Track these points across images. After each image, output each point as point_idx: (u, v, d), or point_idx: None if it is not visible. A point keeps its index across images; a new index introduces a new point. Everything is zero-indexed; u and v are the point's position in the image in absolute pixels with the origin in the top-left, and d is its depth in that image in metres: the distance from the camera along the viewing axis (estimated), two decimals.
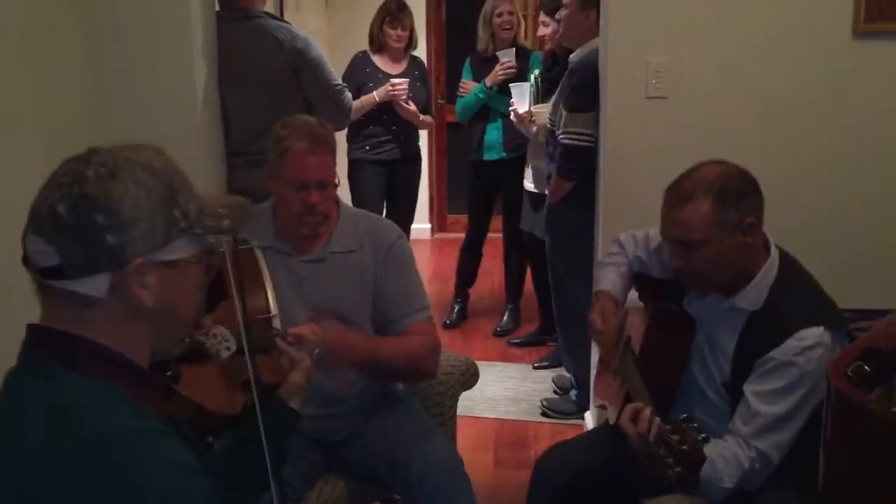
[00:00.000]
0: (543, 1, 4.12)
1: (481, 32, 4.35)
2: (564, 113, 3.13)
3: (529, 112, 3.82)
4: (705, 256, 1.83)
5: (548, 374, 4.00)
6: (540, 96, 3.85)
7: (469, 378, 2.45)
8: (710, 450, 1.76)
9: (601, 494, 2.09)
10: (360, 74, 4.22)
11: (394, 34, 4.21)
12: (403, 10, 4.24)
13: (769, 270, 1.88)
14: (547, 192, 3.43)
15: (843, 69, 2.69)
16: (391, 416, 2.19)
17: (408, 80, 4.14)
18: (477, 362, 2.53)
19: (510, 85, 3.97)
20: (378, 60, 4.26)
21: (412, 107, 4.15)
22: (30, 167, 2.15)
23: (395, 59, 4.29)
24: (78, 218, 1.06)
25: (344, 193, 2.27)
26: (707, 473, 1.74)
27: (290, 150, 2.06)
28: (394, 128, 4.22)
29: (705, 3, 2.69)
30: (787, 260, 1.93)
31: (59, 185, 1.08)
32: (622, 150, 2.82)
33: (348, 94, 3.25)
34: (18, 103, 2.18)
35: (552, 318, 3.87)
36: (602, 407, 2.29)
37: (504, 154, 4.30)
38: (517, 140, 4.13)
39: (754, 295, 1.87)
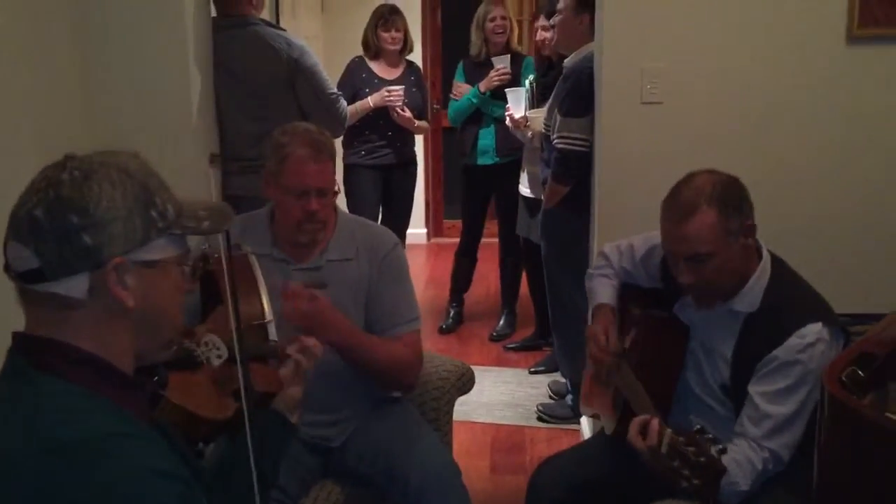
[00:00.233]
0: (541, 6, 4.14)
1: (474, 37, 4.36)
2: (559, 118, 3.14)
3: (525, 117, 3.83)
4: (715, 266, 1.83)
5: (544, 379, 4.00)
6: (535, 101, 3.86)
7: (465, 383, 2.45)
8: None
9: None
10: (357, 80, 4.22)
11: (388, 37, 4.21)
12: (396, 12, 4.25)
13: (763, 273, 1.90)
14: (542, 196, 3.43)
15: (837, 74, 2.70)
16: (388, 422, 2.18)
17: (403, 86, 4.15)
18: (473, 367, 2.53)
19: (506, 90, 3.98)
20: (374, 66, 4.27)
21: (407, 113, 4.16)
22: (24, 173, 2.15)
23: (392, 64, 4.29)
24: (54, 220, 1.08)
25: (340, 199, 2.27)
26: (723, 479, 1.73)
27: (290, 157, 2.06)
28: (389, 133, 4.22)
29: (700, 9, 2.70)
30: (777, 262, 1.94)
31: (35, 190, 1.10)
32: (617, 155, 2.82)
33: (343, 103, 3.25)
34: (12, 109, 2.18)
35: (548, 323, 3.87)
36: (595, 416, 2.29)
37: (497, 158, 4.30)
38: (510, 144, 4.13)
39: (750, 297, 1.88)
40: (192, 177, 2.56)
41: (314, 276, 2.11)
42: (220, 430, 1.56)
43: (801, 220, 2.70)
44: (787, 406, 1.79)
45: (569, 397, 3.63)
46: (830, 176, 2.75)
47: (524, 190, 4.02)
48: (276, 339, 1.78)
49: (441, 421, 2.36)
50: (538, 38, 3.91)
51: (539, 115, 3.58)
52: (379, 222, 4.15)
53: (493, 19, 4.28)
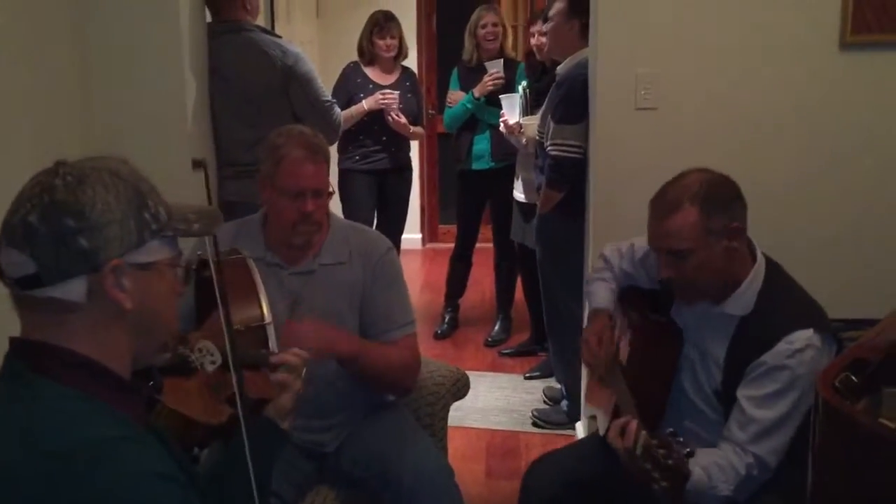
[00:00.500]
0: (536, 13, 4.15)
1: (467, 43, 4.38)
2: (552, 125, 3.14)
3: (519, 123, 3.84)
4: (695, 264, 1.84)
5: (539, 385, 4.00)
6: (528, 107, 3.87)
7: (460, 388, 2.45)
8: (703, 458, 1.77)
9: None
10: (352, 85, 4.23)
11: (383, 44, 4.22)
12: (391, 19, 4.26)
13: (756, 276, 1.90)
14: (537, 202, 3.44)
15: (830, 80, 2.71)
16: (382, 427, 2.19)
17: (398, 92, 4.15)
18: (468, 372, 2.53)
19: (501, 96, 3.99)
20: (369, 71, 4.27)
21: (402, 119, 4.16)
22: (21, 177, 2.15)
23: (387, 70, 4.30)
24: (49, 224, 1.08)
25: (334, 204, 2.27)
26: (701, 483, 1.74)
27: (286, 158, 2.07)
28: (384, 138, 4.22)
29: (694, 15, 2.71)
30: (772, 265, 1.95)
31: (28, 197, 1.10)
32: (612, 160, 2.83)
33: (337, 110, 3.26)
34: (10, 113, 2.18)
35: (543, 329, 3.87)
36: (593, 418, 2.29)
37: (492, 163, 4.32)
38: (505, 150, 4.14)
39: (743, 300, 1.89)
40: (186, 182, 2.55)
41: (303, 284, 2.11)
42: (214, 436, 1.56)
43: (794, 225, 2.71)
44: (773, 411, 1.80)
45: (564, 403, 3.63)
46: (824, 181, 2.76)
47: (518, 195, 4.02)
48: (276, 341, 1.78)
49: (436, 426, 2.37)
50: (535, 43, 3.92)
51: (533, 122, 3.59)
52: (374, 227, 4.15)
53: (484, 26, 4.30)
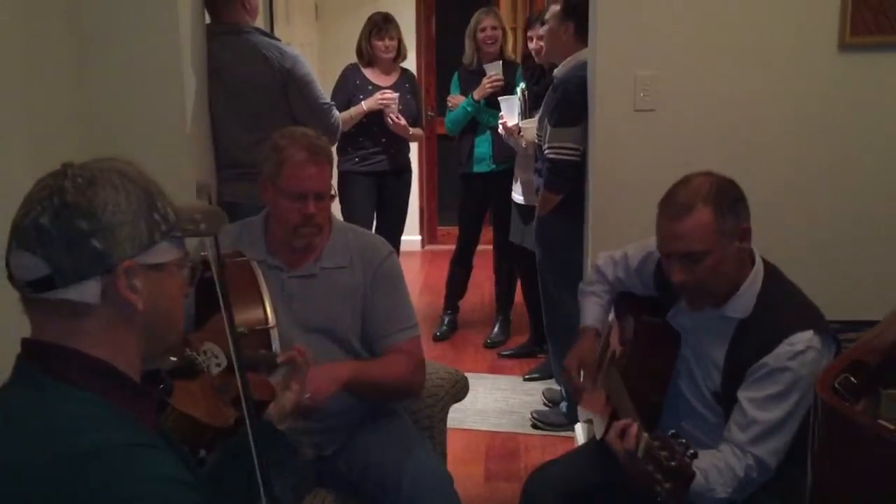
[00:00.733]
0: (534, 15, 4.15)
1: (467, 46, 4.40)
2: (549, 128, 3.14)
3: (518, 125, 3.84)
4: (709, 266, 1.83)
5: (538, 386, 3.99)
6: (527, 110, 3.87)
7: (459, 391, 2.45)
8: (702, 460, 1.77)
9: None
10: (351, 87, 4.23)
11: (381, 45, 4.22)
12: (389, 21, 4.26)
13: (755, 278, 1.90)
14: (536, 204, 3.44)
15: (829, 82, 2.71)
16: (380, 430, 2.18)
17: (398, 94, 4.16)
18: (467, 374, 2.53)
19: (499, 99, 4.00)
20: (368, 73, 4.28)
21: (402, 120, 4.16)
22: (17, 180, 2.15)
23: (386, 72, 4.30)
24: (62, 227, 1.08)
25: (334, 205, 2.27)
26: (699, 485, 1.74)
27: (288, 161, 2.07)
28: (384, 140, 4.22)
29: (692, 17, 2.71)
30: (770, 268, 1.95)
31: (38, 199, 1.10)
32: (611, 162, 2.83)
33: (336, 113, 3.26)
34: (6, 117, 2.18)
35: (542, 330, 3.87)
36: (590, 422, 2.29)
37: (493, 166, 4.32)
38: (506, 152, 4.14)
39: (743, 303, 1.89)
40: (187, 184, 2.56)
41: (304, 287, 2.13)
42: (221, 439, 1.56)
43: (793, 227, 2.71)
44: (774, 413, 1.80)
45: (563, 404, 3.63)
46: (822, 182, 2.76)
47: (517, 197, 4.03)
48: (279, 344, 1.78)
49: (435, 428, 2.36)
50: (533, 46, 3.93)
51: (532, 125, 3.59)
52: (373, 229, 4.16)
53: (483, 30, 4.31)
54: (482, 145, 4.33)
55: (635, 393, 1.95)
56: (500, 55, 4.33)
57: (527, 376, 4.13)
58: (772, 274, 1.93)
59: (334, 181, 2.22)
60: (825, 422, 1.48)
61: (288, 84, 3.05)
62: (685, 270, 1.85)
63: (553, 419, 3.62)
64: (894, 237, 2.76)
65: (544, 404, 3.82)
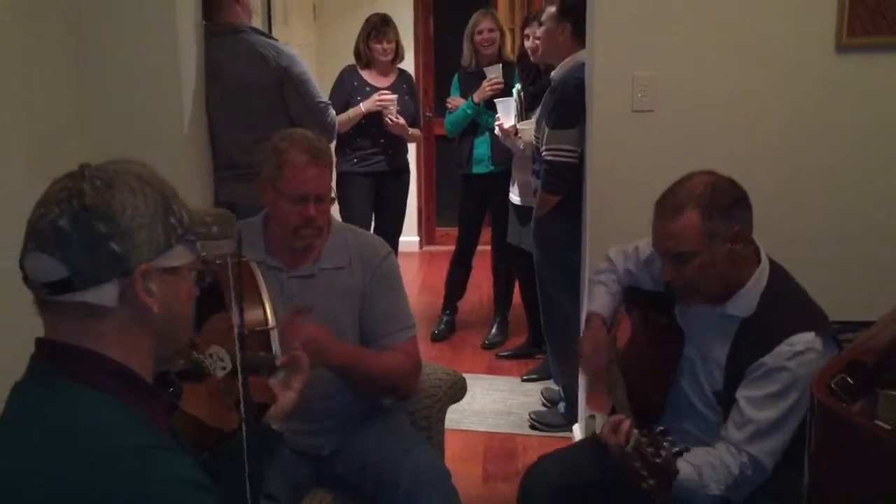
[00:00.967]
0: (531, 15, 4.15)
1: (465, 48, 4.40)
2: (547, 130, 3.14)
3: (514, 126, 3.84)
4: (696, 266, 1.84)
5: (536, 387, 3.99)
6: (523, 111, 3.87)
7: (457, 391, 2.45)
8: (697, 457, 1.77)
9: None
10: (349, 88, 4.24)
11: (379, 48, 4.22)
12: (387, 23, 4.26)
13: (760, 277, 1.90)
14: (533, 205, 3.44)
15: (826, 83, 2.71)
16: (378, 430, 2.19)
17: (396, 95, 4.16)
18: (465, 375, 2.53)
19: (496, 101, 4.00)
20: (366, 74, 4.28)
21: (401, 120, 4.17)
22: (15, 181, 2.15)
23: (383, 73, 4.30)
24: (81, 229, 1.08)
25: (332, 206, 2.27)
26: (692, 481, 1.75)
27: (289, 163, 2.06)
28: (382, 140, 4.23)
29: (690, 17, 2.72)
30: (776, 268, 1.95)
31: (56, 201, 1.10)
32: (609, 163, 2.83)
33: (332, 112, 3.26)
34: (5, 118, 2.18)
35: (540, 331, 3.87)
36: (593, 417, 2.30)
37: (492, 167, 4.32)
38: (505, 153, 4.15)
39: (746, 301, 1.89)
40: (184, 185, 2.55)
41: (303, 288, 2.11)
42: (224, 442, 1.56)
43: (791, 228, 2.71)
44: (771, 412, 1.80)
45: (561, 405, 3.63)
46: (820, 183, 2.76)
47: (514, 198, 4.03)
48: (279, 346, 1.78)
49: (433, 429, 2.37)
50: (529, 46, 3.93)
51: (529, 127, 3.59)
52: (371, 230, 4.16)
53: (480, 32, 4.32)
54: (481, 146, 4.34)
55: (639, 390, 1.95)
56: (499, 56, 4.33)
57: (525, 377, 4.13)
58: (777, 273, 1.94)
59: (333, 182, 2.22)
60: (822, 422, 1.48)
61: (284, 83, 3.05)
62: (674, 269, 1.88)
63: (551, 420, 3.62)
64: (892, 237, 2.76)
65: (543, 404, 3.82)
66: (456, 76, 4.52)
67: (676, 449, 1.62)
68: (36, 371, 1.14)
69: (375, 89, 4.21)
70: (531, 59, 3.94)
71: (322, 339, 1.99)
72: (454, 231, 4.77)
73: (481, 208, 4.53)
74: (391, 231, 4.28)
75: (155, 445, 1.08)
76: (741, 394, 1.84)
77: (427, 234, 6.85)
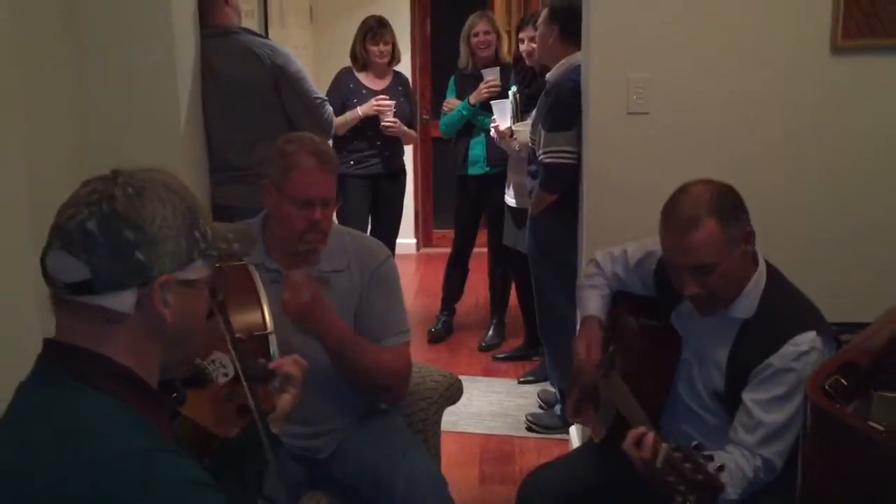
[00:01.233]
0: (526, 17, 4.16)
1: (462, 50, 4.41)
2: (544, 133, 3.14)
3: (510, 129, 3.85)
4: (720, 274, 1.83)
5: (533, 389, 3.99)
6: (519, 113, 3.88)
7: (453, 393, 2.45)
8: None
9: None
10: (345, 90, 4.24)
11: (376, 50, 4.23)
12: (384, 25, 4.27)
13: (759, 280, 1.91)
14: (529, 206, 3.44)
15: (821, 85, 2.72)
16: (375, 434, 2.18)
17: (394, 101, 4.17)
18: (462, 377, 2.53)
19: (491, 102, 4.01)
20: (362, 77, 4.29)
21: (398, 124, 4.18)
22: (14, 182, 2.15)
23: (379, 76, 4.31)
24: (109, 234, 1.09)
25: None
26: None
27: (297, 167, 2.05)
28: (378, 143, 4.23)
29: (685, 20, 2.72)
30: (772, 269, 1.95)
31: (86, 203, 1.11)
32: (605, 165, 2.83)
33: (329, 108, 3.26)
34: (3, 119, 2.18)
35: (537, 333, 3.87)
36: (580, 422, 2.28)
37: (488, 169, 4.33)
38: (501, 155, 4.15)
39: (747, 303, 1.89)
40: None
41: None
42: (225, 448, 1.56)
43: (787, 229, 2.71)
44: (780, 414, 1.80)
45: (558, 407, 3.63)
46: (816, 184, 2.76)
47: (510, 200, 4.04)
48: (277, 349, 1.78)
49: (429, 431, 2.36)
50: (524, 49, 3.94)
51: (525, 128, 3.60)
52: (368, 232, 4.16)
53: (476, 34, 4.33)
54: (477, 148, 4.34)
55: (636, 395, 1.94)
56: (495, 59, 4.34)
57: (521, 379, 4.13)
58: (774, 275, 1.94)
59: None
60: (816, 423, 1.48)
61: (280, 81, 3.05)
62: (697, 283, 1.84)
63: (548, 422, 3.62)
64: (888, 238, 2.76)
65: (539, 406, 3.82)
66: (452, 78, 4.53)
67: (718, 464, 1.59)
68: (42, 371, 1.15)
69: (372, 91, 4.22)
70: (526, 62, 3.94)
71: (320, 300, 1.98)
72: (451, 233, 4.77)
73: (477, 210, 4.53)
74: (388, 233, 4.29)
75: (159, 448, 1.09)
76: (748, 396, 1.84)
77: (424, 237, 6.85)
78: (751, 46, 2.72)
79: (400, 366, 2.18)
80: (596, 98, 2.80)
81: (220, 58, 3.01)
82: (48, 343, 1.15)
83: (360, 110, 4.13)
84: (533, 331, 4.12)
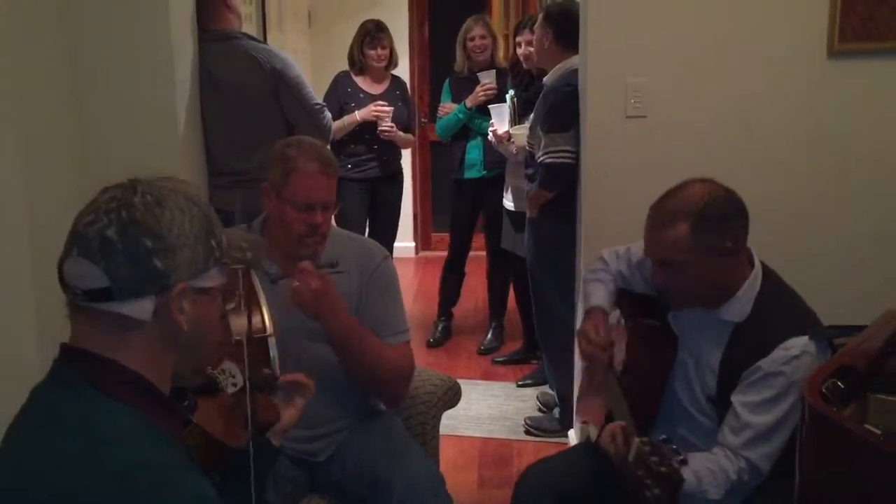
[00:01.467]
0: (523, 21, 4.17)
1: (457, 54, 4.42)
2: (543, 135, 3.15)
3: (508, 133, 3.85)
4: (684, 276, 1.85)
5: (531, 393, 4.00)
6: (517, 116, 3.88)
7: (451, 397, 2.45)
8: (695, 462, 1.77)
9: None
10: (342, 94, 4.25)
11: (373, 54, 4.24)
12: (381, 29, 4.27)
13: (753, 282, 1.91)
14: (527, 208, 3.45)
15: (818, 88, 2.73)
16: (373, 436, 2.18)
17: (392, 108, 4.18)
18: (461, 381, 2.54)
19: (489, 106, 4.02)
20: (360, 80, 4.30)
21: (395, 129, 4.18)
22: (11, 180, 2.15)
23: (377, 80, 4.32)
24: (128, 242, 1.10)
25: None
26: (691, 486, 1.74)
27: (299, 171, 2.06)
28: (375, 146, 4.24)
29: (683, 24, 2.73)
30: (769, 272, 1.96)
31: (105, 210, 1.12)
32: (603, 168, 2.84)
33: (327, 114, 3.27)
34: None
35: (535, 336, 3.87)
36: (586, 423, 2.29)
37: (484, 172, 4.34)
38: (497, 158, 4.15)
39: (739, 306, 1.89)
40: None
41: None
42: (231, 458, 1.57)
43: (783, 232, 2.71)
44: (767, 417, 1.81)
45: (556, 410, 3.63)
46: (813, 188, 2.77)
47: (508, 204, 4.04)
48: (276, 353, 1.78)
49: (428, 435, 2.36)
50: (521, 52, 3.94)
51: (522, 132, 3.60)
52: (366, 235, 4.17)
53: (472, 38, 4.33)
54: (473, 151, 4.35)
55: (631, 395, 1.95)
56: (491, 63, 4.35)
57: (520, 382, 4.13)
58: (770, 278, 1.94)
59: None
60: (813, 426, 1.49)
61: (279, 86, 3.06)
62: (662, 275, 1.90)
63: (546, 425, 3.62)
64: (885, 242, 2.77)
65: (538, 410, 3.82)
66: (447, 82, 4.53)
67: (681, 457, 1.61)
68: (57, 375, 1.16)
69: (369, 95, 4.23)
70: (524, 65, 3.95)
71: (329, 289, 1.98)
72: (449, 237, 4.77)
73: (473, 213, 4.54)
74: (386, 236, 4.29)
75: (170, 462, 1.10)
76: (737, 398, 1.85)
77: (423, 240, 6.85)
78: (748, 51, 2.73)
79: (403, 363, 2.18)
80: (594, 102, 2.81)
81: (220, 62, 3.01)
82: (64, 348, 1.17)
83: (358, 115, 4.14)
84: (532, 334, 4.12)
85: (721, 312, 1.91)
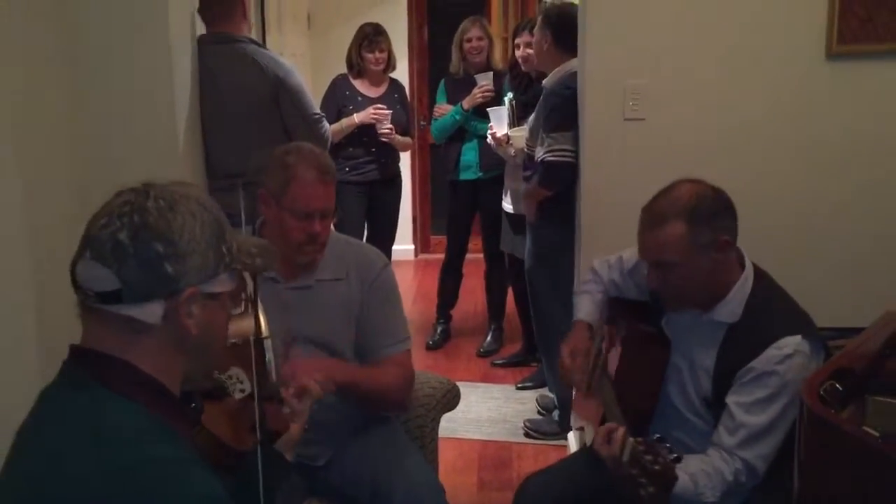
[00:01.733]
0: (522, 23, 4.17)
1: (453, 55, 4.42)
2: (543, 136, 3.15)
3: (507, 134, 3.85)
4: (680, 275, 1.86)
5: (531, 395, 3.99)
6: (515, 119, 3.88)
7: (451, 400, 2.45)
8: (691, 465, 1.78)
9: None
10: (340, 97, 4.25)
11: (371, 57, 4.24)
12: (380, 33, 4.28)
13: (745, 283, 1.91)
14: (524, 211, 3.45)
15: (817, 90, 2.72)
16: (372, 441, 2.18)
17: (391, 111, 4.18)
18: (460, 383, 2.53)
19: (488, 109, 4.01)
20: (358, 83, 4.30)
21: (394, 133, 4.18)
22: (8, 191, 2.15)
23: (375, 83, 4.32)
24: (139, 246, 1.12)
25: None
26: (687, 489, 1.75)
27: (298, 179, 2.05)
28: (373, 149, 4.24)
29: (681, 26, 2.73)
30: (760, 273, 1.96)
31: (118, 214, 1.13)
32: (601, 170, 2.84)
33: (326, 124, 3.28)
34: None
35: (535, 339, 3.87)
36: (581, 429, 2.30)
37: (480, 174, 4.34)
38: (493, 160, 4.16)
39: (731, 307, 1.90)
40: None
41: (301, 299, 2.12)
42: (238, 463, 1.57)
43: (781, 235, 2.71)
44: (762, 417, 1.81)
45: (555, 413, 3.63)
46: (811, 190, 2.77)
47: (506, 206, 4.04)
48: (273, 356, 1.78)
49: (427, 438, 2.36)
50: (520, 55, 3.95)
51: (521, 134, 3.60)
52: (364, 238, 4.17)
53: (469, 40, 4.34)
54: (469, 153, 4.35)
55: (626, 400, 1.96)
56: (487, 64, 4.35)
57: (519, 385, 4.13)
58: (762, 279, 1.95)
59: None
60: (811, 428, 1.49)
61: (279, 93, 3.07)
62: (658, 277, 1.90)
63: (546, 428, 3.62)
64: (883, 244, 2.77)
65: (538, 412, 3.82)
66: (442, 83, 4.53)
67: (675, 455, 1.62)
68: (68, 376, 1.17)
69: (367, 98, 4.23)
70: (522, 68, 3.95)
71: (323, 368, 1.98)
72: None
73: (470, 215, 4.54)
74: (384, 238, 4.29)
75: (182, 458, 1.11)
76: (731, 399, 1.85)
77: (422, 243, 6.85)
78: (747, 52, 2.73)
79: (401, 379, 2.18)
80: (592, 104, 2.81)
81: (222, 64, 3.02)
82: (74, 349, 1.18)
83: (357, 118, 4.14)
84: (531, 337, 4.12)
85: (713, 314, 1.92)
